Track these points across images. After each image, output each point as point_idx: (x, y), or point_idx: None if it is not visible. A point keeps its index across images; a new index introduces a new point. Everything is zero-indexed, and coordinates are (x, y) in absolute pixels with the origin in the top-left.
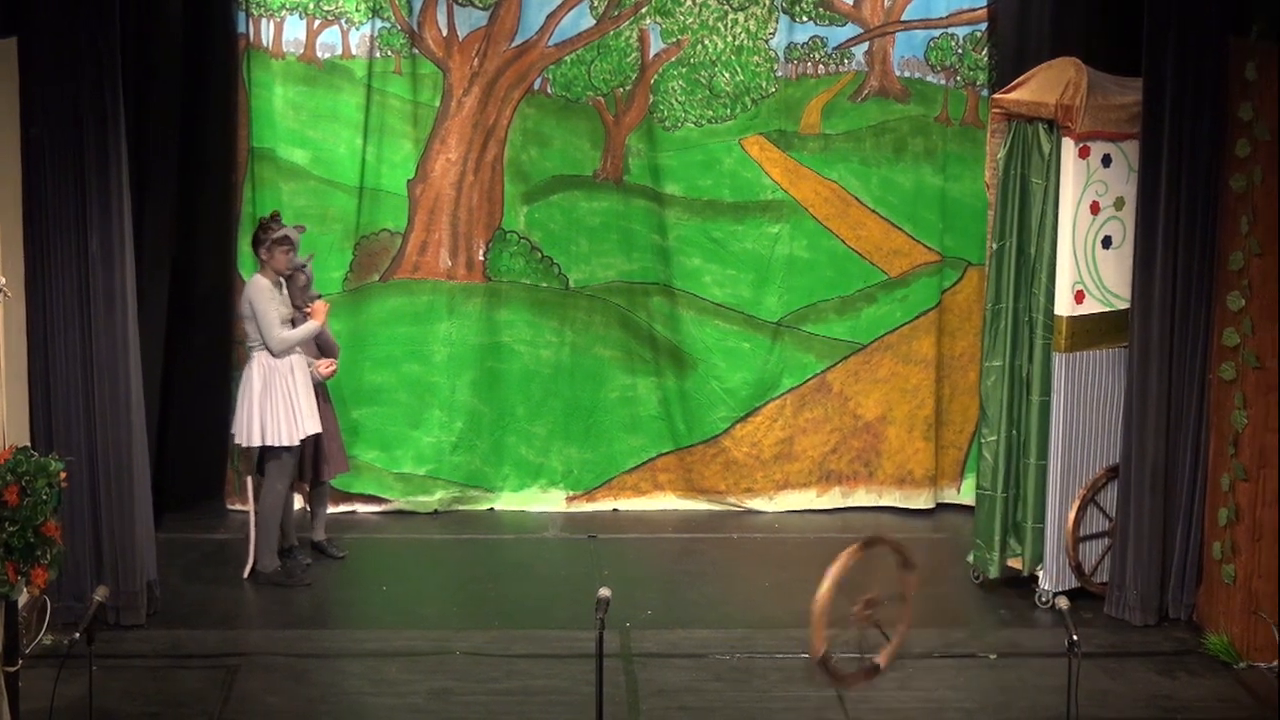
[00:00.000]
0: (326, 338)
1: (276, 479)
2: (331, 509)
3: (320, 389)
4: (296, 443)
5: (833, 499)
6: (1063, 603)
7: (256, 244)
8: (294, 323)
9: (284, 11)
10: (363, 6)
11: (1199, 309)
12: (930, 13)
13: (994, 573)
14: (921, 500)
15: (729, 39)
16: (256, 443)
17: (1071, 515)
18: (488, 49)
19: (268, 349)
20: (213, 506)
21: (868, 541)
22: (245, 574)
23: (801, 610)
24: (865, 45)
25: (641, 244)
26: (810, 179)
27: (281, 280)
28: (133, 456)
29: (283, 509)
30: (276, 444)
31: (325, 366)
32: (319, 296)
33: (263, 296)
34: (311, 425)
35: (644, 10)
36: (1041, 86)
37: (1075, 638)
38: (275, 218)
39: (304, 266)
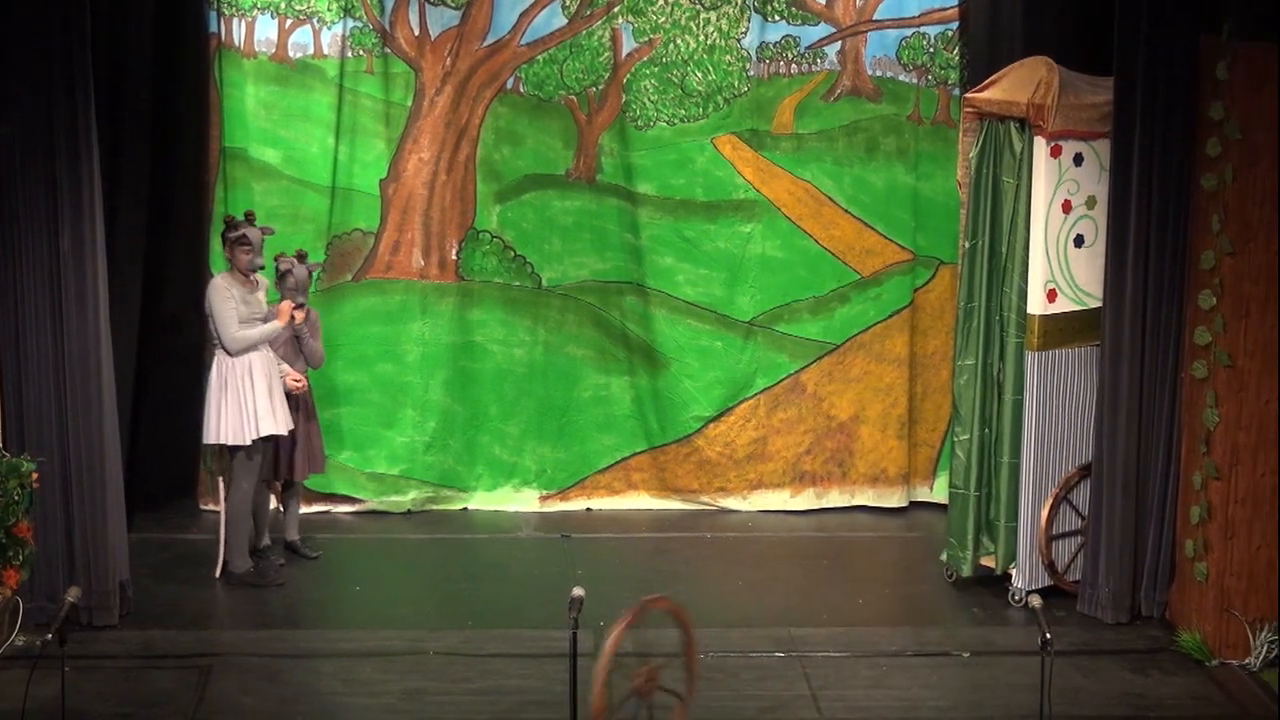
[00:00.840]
0: (309, 345)
1: (242, 478)
2: (305, 509)
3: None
4: (248, 442)
5: (806, 500)
6: (1035, 601)
7: (223, 242)
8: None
9: (255, 11)
10: (334, 6)
11: (1170, 307)
12: (902, 12)
13: (967, 571)
14: (895, 499)
15: (701, 38)
16: (211, 440)
17: (1044, 514)
18: (460, 48)
19: (224, 348)
20: (185, 506)
21: (649, 602)
22: (216, 574)
23: (779, 609)
24: (837, 45)
25: (614, 243)
26: (783, 178)
27: (256, 279)
28: (105, 457)
29: (253, 508)
30: (227, 442)
31: (291, 379)
32: (303, 304)
33: (219, 295)
34: (268, 426)
35: (616, 9)
36: (1013, 85)
37: (1048, 636)
38: (249, 217)
39: (292, 269)
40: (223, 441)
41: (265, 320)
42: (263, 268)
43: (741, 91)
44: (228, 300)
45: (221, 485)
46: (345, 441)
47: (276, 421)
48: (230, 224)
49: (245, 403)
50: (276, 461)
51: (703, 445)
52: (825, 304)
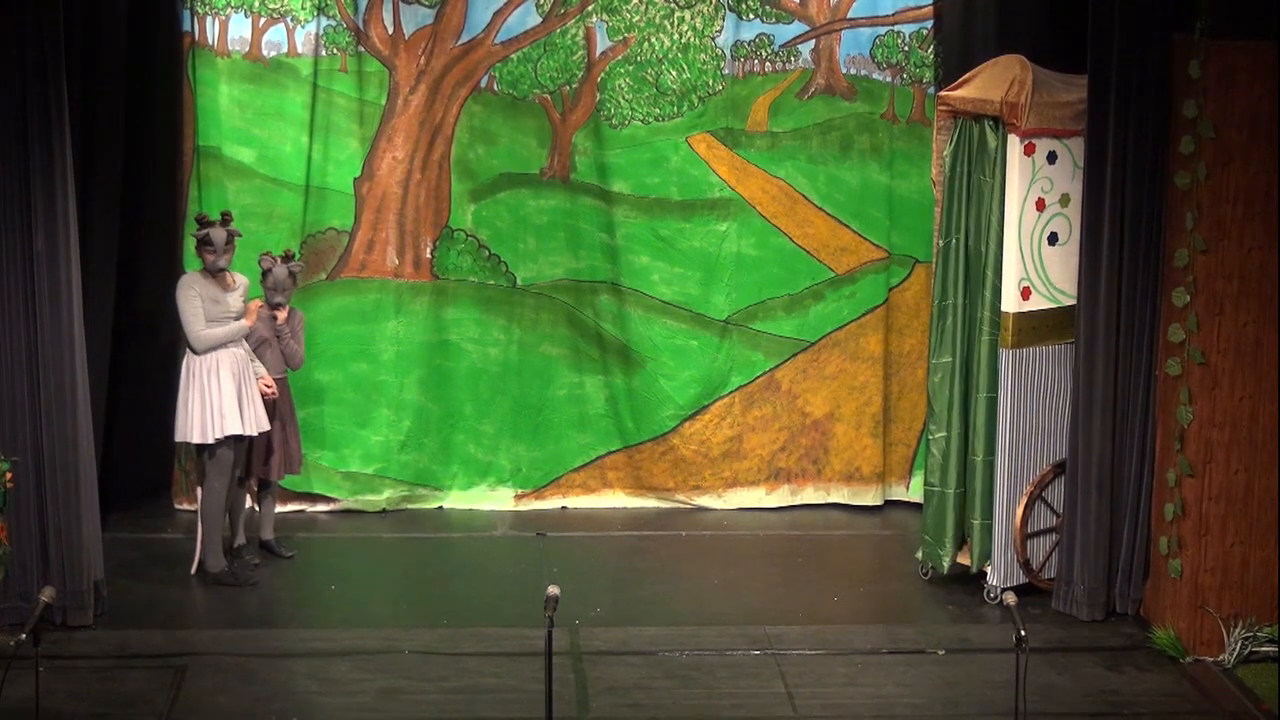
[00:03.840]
0: (289, 347)
1: (214, 477)
2: (280, 508)
3: (281, 386)
4: (211, 440)
5: (781, 497)
6: (1010, 598)
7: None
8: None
9: (229, 10)
10: (308, 5)
11: (1144, 305)
12: (876, 10)
13: (946, 569)
14: (870, 497)
15: (675, 37)
16: (178, 438)
17: (1019, 511)
18: (434, 47)
19: (189, 346)
20: (160, 506)
21: None
22: (192, 570)
23: (754, 607)
24: (812, 43)
25: (589, 242)
26: (757, 177)
27: (234, 279)
28: (79, 456)
29: (228, 507)
30: (192, 440)
31: (264, 383)
32: (280, 304)
33: (184, 293)
34: (234, 425)
35: (590, 8)
36: (987, 84)
37: (1023, 633)
38: (225, 218)
39: (272, 269)
40: (188, 440)
41: (239, 320)
42: (224, 269)
43: (716, 90)
44: (193, 299)
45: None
46: (320, 441)
47: (244, 422)
48: (198, 223)
49: (210, 401)
50: (250, 461)
51: (678, 443)
52: (800, 302)
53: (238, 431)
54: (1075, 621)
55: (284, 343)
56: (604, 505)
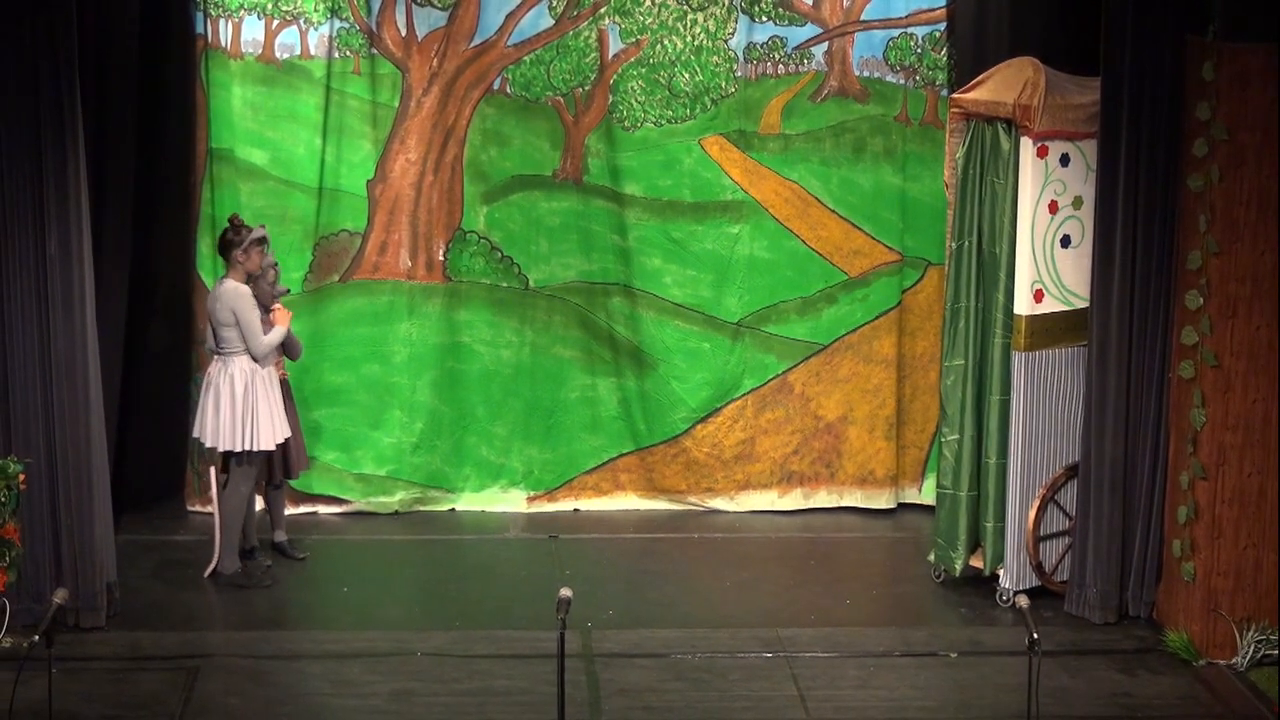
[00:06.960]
0: (292, 339)
1: (241, 482)
2: (292, 510)
3: (284, 386)
4: (274, 447)
5: (794, 500)
6: (1023, 601)
7: (230, 246)
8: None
9: (242, 12)
10: (321, 7)
11: (1157, 308)
12: (889, 13)
13: (959, 571)
14: (883, 500)
15: (688, 39)
16: (239, 448)
17: (1031, 514)
18: (447, 49)
19: (251, 355)
20: (172, 508)
21: None
22: (206, 574)
23: (767, 609)
24: (824, 45)
25: (601, 244)
26: (770, 179)
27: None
28: (92, 458)
29: (245, 511)
30: (258, 449)
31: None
32: (287, 291)
33: (247, 303)
34: (283, 429)
35: (603, 10)
36: (1000, 86)
37: (1036, 636)
38: (233, 222)
39: (275, 265)
40: (252, 448)
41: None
42: (274, 263)
43: (729, 92)
44: (255, 307)
45: (214, 484)
46: (332, 442)
47: (286, 423)
48: (238, 228)
49: (274, 408)
50: (270, 462)
51: (690, 446)
52: (813, 305)
53: (287, 434)
54: (1088, 624)
55: (289, 334)
56: (616, 507)
